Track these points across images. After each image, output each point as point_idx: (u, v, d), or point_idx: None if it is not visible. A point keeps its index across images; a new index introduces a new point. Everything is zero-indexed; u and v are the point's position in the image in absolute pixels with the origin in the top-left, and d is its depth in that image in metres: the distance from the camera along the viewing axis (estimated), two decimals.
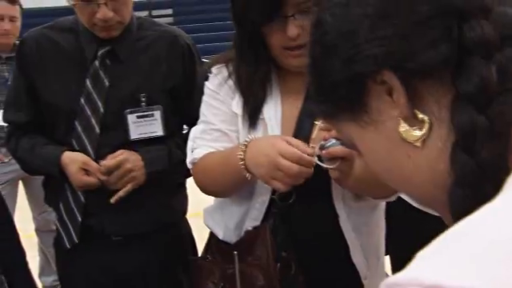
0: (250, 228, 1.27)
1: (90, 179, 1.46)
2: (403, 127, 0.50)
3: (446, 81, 0.48)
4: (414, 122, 0.50)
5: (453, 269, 0.34)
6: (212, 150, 1.27)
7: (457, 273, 0.34)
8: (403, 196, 1.65)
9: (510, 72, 0.46)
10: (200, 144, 1.30)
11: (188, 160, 1.32)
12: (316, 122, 1.22)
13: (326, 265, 1.27)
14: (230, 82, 1.28)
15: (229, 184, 1.26)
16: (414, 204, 1.74)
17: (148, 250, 1.58)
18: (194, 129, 1.35)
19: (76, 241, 1.54)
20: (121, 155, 1.49)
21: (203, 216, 1.43)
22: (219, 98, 1.30)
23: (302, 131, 1.22)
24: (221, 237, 1.34)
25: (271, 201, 1.24)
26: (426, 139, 0.50)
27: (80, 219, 1.53)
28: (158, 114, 1.52)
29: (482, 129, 0.45)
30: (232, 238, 1.31)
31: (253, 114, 1.24)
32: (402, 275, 0.36)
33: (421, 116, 0.49)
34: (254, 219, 1.26)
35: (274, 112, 1.24)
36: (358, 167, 1.10)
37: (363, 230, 1.29)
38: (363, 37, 0.50)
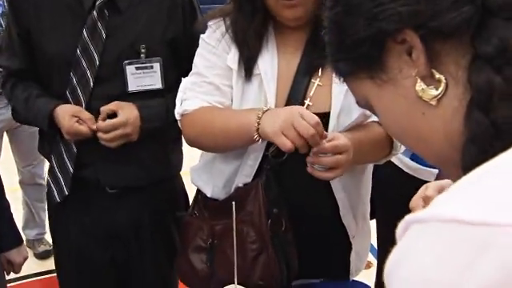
0: (240, 185, 1.28)
1: (82, 127, 1.42)
2: (420, 86, 0.52)
3: (465, 41, 0.49)
4: (430, 81, 0.52)
5: (471, 204, 0.36)
6: (204, 104, 1.26)
7: (475, 207, 0.35)
8: (393, 159, 1.69)
9: None
10: (190, 96, 1.28)
11: (177, 111, 1.30)
12: (313, 81, 1.21)
13: (316, 223, 1.29)
14: (227, 37, 1.27)
15: (229, 143, 1.26)
16: (408, 170, 1.76)
17: (142, 203, 1.58)
18: (184, 80, 1.33)
19: (66, 193, 1.53)
20: (119, 110, 1.45)
21: (190, 175, 1.42)
22: (215, 51, 1.28)
23: (298, 88, 1.21)
24: (209, 194, 1.34)
25: (264, 158, 1.24)
26: (442, 98, 0.51)
27: (72, 170, 1.51)
28: (157, 66, 1.49)
29: (498, 89, 0.46)
30: (220, 195, 1.32)
31: (248, 67, 1.23)
32: (421, 213, 0.38)
33: (438, 75, 0.51)
34: (245, 176, 1.27)
35: (270, 67, 1.23)
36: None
37: (352, 191, 1.31)
38: None
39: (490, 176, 0.39)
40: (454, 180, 0.52)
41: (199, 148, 1.35)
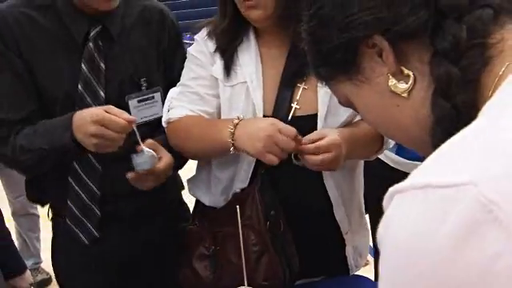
0: (237, 190, 1.32)
1: (108, 132, 1.20)
2: (392, 81, 0.60)
3: (425, 41, 0.57)
4: (400, 77, 0.60)
5: (439, 171, 0.43)
6: (188, 112, 1.33)
7: (442, 173, 0.43)
8: (381, 157, 1.75)
9: (478, 30, 0.54)
10: (176, 105, 1.36)
11: (163, 119, 1.38)
12: (299, 85, 1.27)
13: (311, 221, 1.34)
14: (211, 47, 1.33)
15: (208, 152, 1.34)
16: (394, 164, 1.81)
17: (154, 227, 1.53)
18: (171, 90, 1.41)
19: (97, 235, 1.46)
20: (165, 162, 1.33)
21: (187, 187, 1.47)
22: (200, 63, 1.35)
23: (284, 93, 1.27)
24: (207, 203, 1.39)
25: (257, 162, 1.29)
26: (412, 90, 0.59)
27: (99, 214, 1.44)
28: (158, 95, 1.45)
29: (455, 78, 0.54)
30: (218, 203, 1.37)
31: (227, 65, 1.30)
32: (400, 184, 0.45)
33: (406, 71, 0.59)
34: (241, 181, 1.32)
35: (255, 74, 1.28)
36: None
37: (345, 188, 1.36)
38: (356, 7, 0.59)
39: (453, 147, 0.46)
40: None
41: (183, 154, 1.41)
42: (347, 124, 1.29)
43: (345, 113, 1.26)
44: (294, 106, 1.25)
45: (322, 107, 1.26)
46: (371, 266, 2.22)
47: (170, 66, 1.50)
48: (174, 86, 1.41)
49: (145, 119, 1.44)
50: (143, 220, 1.50)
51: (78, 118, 1.24)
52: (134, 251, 1.50)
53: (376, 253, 2.10)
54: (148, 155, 1.27)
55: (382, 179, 1.74)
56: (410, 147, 0.69)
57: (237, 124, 1.20)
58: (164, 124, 1.37)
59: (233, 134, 1.20)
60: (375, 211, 1.81)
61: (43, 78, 1.35)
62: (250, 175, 1.31)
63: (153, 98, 1.44)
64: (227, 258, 1.28)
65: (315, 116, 1.26)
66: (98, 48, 1.36)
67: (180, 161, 1.42)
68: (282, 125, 1.17)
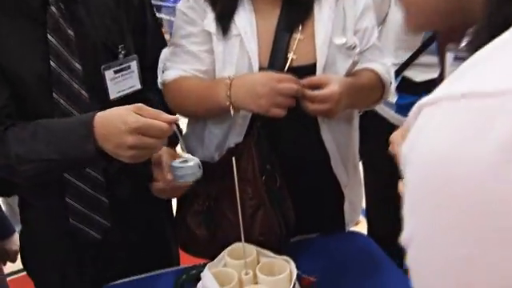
0: (232, 145, 1.29)
1: (149, 140, 1.02)
2: None
3: None
4: None
5: (480, 78, 0.36)
6: (181, 73, 1.29)
7: (485, 80, 0.36)
8: (380, 111, 1.74)
9: None
10: (169, 66, 1.32)
11: (159, 81, 1.34)
12: (294, 35, 1.23)
13: (309, 176, 1.32)
14: (201, 2, 1.28)
15: (209, 114, 1.31)
16: (394, 121, 1.78)
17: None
18: (164, 51, 1.36)
19: (108, 225, 1.34)
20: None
21: (179, 143, 1.44)
22: (190, 20, 1.29)
23: (280, 43, 1.23)
24: (201, 158, 1.36)
25: (253, 115, 1.26)
26: None
27: (107, 201, 1.31)
28: (134, 64, 1.29)
29: None
30: (212, 158, 1.34)
31: (224, 26, 1.24)
32: (431, 95, 0.38)
33: None
34: (236, 135, 1.28)
35: (248, 26, 1.24)
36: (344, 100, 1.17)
37: (342, 141, 1.34)
38: None
39: (498, 52, 0.39)
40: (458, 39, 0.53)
41: (184, 115, 1.37)
42: (347, 74, 1.26)
43: (344, 63, 1.23)
44: (291, 56, 1.22)
45: (321, 57, 1.22)
46: (362, 225, 2.22)
47: (142, 29, 1.35)
48: (145, 53, 1.34)
49: (122, 93, 1.27)
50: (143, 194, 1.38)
51: (104, 125, 1.03)
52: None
53: (368, 212, 2.11)
54: (192, 165, 1.10)
55: (378, 134, 1.75)
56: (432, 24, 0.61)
57: (230, 84, 1.17)
58: (160, 86, 1.34)
59: (229, 95, 1.17)
60: (370, 166, 1.81)
61: (7, 58, 1.13)
62: (245, 129, 1.28)
63: (129, 67, 1.29)
64: (222, 213, 1.26)
65: (313, 66, 1.23)
66: (61, 12, 1.15)
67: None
68: (276, 75, 1.14)
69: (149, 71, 1.35)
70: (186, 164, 1.10)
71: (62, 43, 1.16)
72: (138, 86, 1.30)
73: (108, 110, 1.05)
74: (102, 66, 1.23)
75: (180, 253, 1.55)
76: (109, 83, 1.24)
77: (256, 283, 0.98)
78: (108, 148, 1.03)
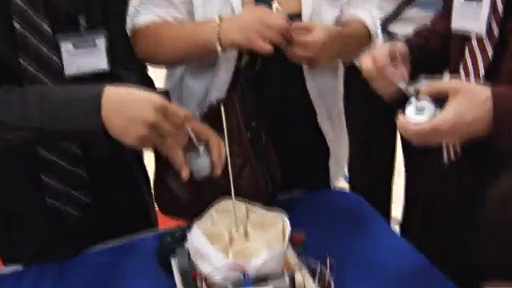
0: (213, 101, 1.24)
1: (167, 124, 0.94)
2: None
3: None
4: None
5: None
6: (155, 18, 1.21)
7: None
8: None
9: None
10: (141, 9, 1.23)
11: (128, 26, 1.23)
12: None
13: (294, 131, 1.29)
14: None
15: (185, 57, 1.23)
16: None
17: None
18: None
19: (89, 201, 1.27)
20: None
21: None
22: None
23: None
24: None
25: (235, 70, 1.20)
26: None
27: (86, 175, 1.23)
28: (101, 41, 1.13)
29: None
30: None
31: None
32: None
33: None
34: (218, 90, 1.23)
35: None
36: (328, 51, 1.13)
37: (327, 94, 1.31)
38: None
39: None
40: None
41: (152, 63, 1.30)
42: (336, 24, 1.22)
43: (330, 12, 1.19)
44: (275, 5, 1.16)
45: (306, 6, 1.17)
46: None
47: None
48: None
49: (80, 71, 1.12)
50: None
51: (119, 97, 0.93)
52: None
53: (350, 178, 2.09)
54: (205, 158, 1.04)
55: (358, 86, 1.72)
56: None
57: (220, 20, 1.12)
58: (129, 32, 1.24)
59: (218, 32, 1.11)
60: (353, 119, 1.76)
61: None
62: (227, 85, 1.22)
63: (94, 44, 1.13)
64: None
65: (298, 16, 1.18)
66: None
67: None
68: (268, 11, 1.11)
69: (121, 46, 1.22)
70: (198, 157, 1.04)
71: (25, 1, 1.04)
72: (105, 67, 1.14)
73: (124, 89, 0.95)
74: (58, 36, 1.09)
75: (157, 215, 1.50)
76: (65, 57, 1.10)
77: (247, 240, 0.93)
78: (117, 123, 0.91)
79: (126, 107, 0.91)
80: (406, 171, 1.98)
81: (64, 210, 1.23)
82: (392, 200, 2.16)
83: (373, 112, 1.85)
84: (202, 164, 1.03)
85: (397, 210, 2.10)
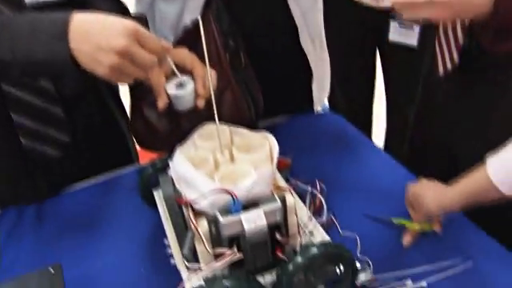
0: (188, 23, 1.15)
1: (141, 51, 0.83)
2: None
3: None
4: None
5: None
6: None
7: None
8: None
9: None
10: None
11: None
12: None
13: (275, 53, 1.22)
14: None
15: None
16: None
17: None
18: None
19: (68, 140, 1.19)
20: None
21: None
22: None
23: None
24: None
25: None
26: None
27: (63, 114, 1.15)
28: None
29: None
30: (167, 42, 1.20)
31: None
32: None
33: None
34: (192, 13, 1.14)
35: None
36: None
37: (309, 15, 1.23)
38: None
39: None
40: None
41: None
42: None
43: None
44: None
45: None
46: None
47: None
48: None
49: None
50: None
51: (87, 22, 0.83)
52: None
53: (330, 106, 2.04)
54: (189, 89, 0.94)
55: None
56: None
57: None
58: None
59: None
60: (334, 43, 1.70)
61: None
62: (202, 4, 1.13)
63: None
64: None
65: None
66: None
67: None
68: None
69: None
70: (182, 87, 0.94)
71: None
72: None
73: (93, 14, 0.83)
74: None
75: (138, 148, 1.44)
76: None
77: (233, 163, 0.88)
78: (86, 51, 0.81)
79: (94, 34, 0.81)
80: (387, 95, 1.94)
81: (42, 151, 1.16)
82: (373, 126, 2.13)
83: (353, 34, 1.79)
84: (185, 96, 0.95)
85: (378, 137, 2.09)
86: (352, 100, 1.99)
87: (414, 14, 0.84)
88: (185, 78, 0.95)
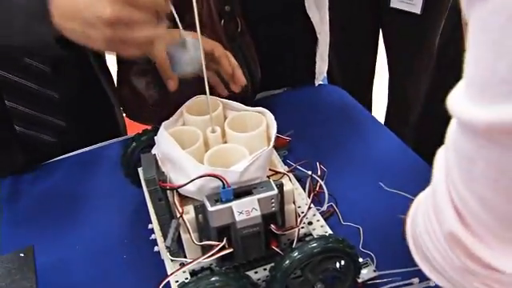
0: None
1: (135, 12, 0.70)
2: None
3: None
4: None
5: None
6: None
7: None
8: None
9: None
10: None
11: None
12: None
13: (275, 22, 1.12)
14: None
15: None
16: None
17: None
18: None
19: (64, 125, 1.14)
20: None
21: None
22: None
23: None
24: None
25: None
26: None
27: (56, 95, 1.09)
28: None
29: None
30: None
31: None
32: None
33: None
34: None
35: None
36: None
37: None
38: None
39: None
40: None
41: None
42: None
43: None
44: None
45: None
46: None
47: None
48: None
49: None
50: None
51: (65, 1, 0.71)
52: None
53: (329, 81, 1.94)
54: (193, 52, 0.79)
55: None
56: None
57: None
58: None
59: None
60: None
61: None
62: None
63: None
64: None
65: None
66: None
67: None
68: None
69: None
70: (185, 49, 0.79)
71: None
72: None
73: None
74: None
75: (126, 123, 1.34)
76: None
77: (225, 142, 0.79)
78: (72, 27, 0.71)
79: (79, 9, 0.70)
80: (390, 70, 1.84)
81: (38, 138, 1.08)
82: (373, 102, 2.04)
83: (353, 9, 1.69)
84: (188, 57, 0.80)
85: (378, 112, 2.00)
86: (352, 77, 1.89)
87: None
88: (190, 39, 0.81)
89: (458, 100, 0.37)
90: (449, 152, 0.42)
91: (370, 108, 2.03)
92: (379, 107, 2.03)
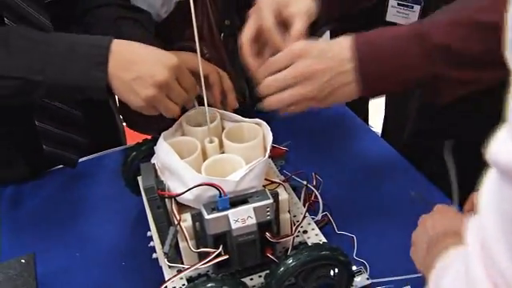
0: None
1: (178, 88, 0.81)
2: None
3: None
4: None
5: None
6: None
7: None
8: None
9: None
10: None
11: None
12: None
13: None
14: None
15: None
16: None
17: None
18: None
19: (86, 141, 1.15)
20: None
21: None
22: None
23: None
24: None
25: None
26: None
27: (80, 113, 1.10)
28: None
29: None
30: (159, 17, 1.11)
31: None
32: None
33: None
34: None
35: None
36: None
37: None
38: None
39: None
40: None
41: None
42: None
43: None
44: None
45: None
46: None
47: None
48: None
49: None
50: None
51: (128, 50, 0.78)
52: None
53: None
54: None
55: None
56: None
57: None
58: None
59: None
60: None
61: None
62: None
63: None
64: None
65: None
66: None
67: None
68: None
69: None
70: None
71: None
72: None
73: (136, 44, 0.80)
74: None
75: (126, 133, 1.37)
76: None
77: (222, 153, 0.81)
78: (124, 79, 0.76)
79: (137, 63, 0.77)
80: None
81: (63, 156, 1.10)
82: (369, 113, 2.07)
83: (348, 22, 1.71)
84: None
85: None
86: None
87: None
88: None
89: (502, 147, 0.33)
90: (485, 219, 0.37)
91: (366, 119, 2.05)
92: (376, 118, 2.05)
